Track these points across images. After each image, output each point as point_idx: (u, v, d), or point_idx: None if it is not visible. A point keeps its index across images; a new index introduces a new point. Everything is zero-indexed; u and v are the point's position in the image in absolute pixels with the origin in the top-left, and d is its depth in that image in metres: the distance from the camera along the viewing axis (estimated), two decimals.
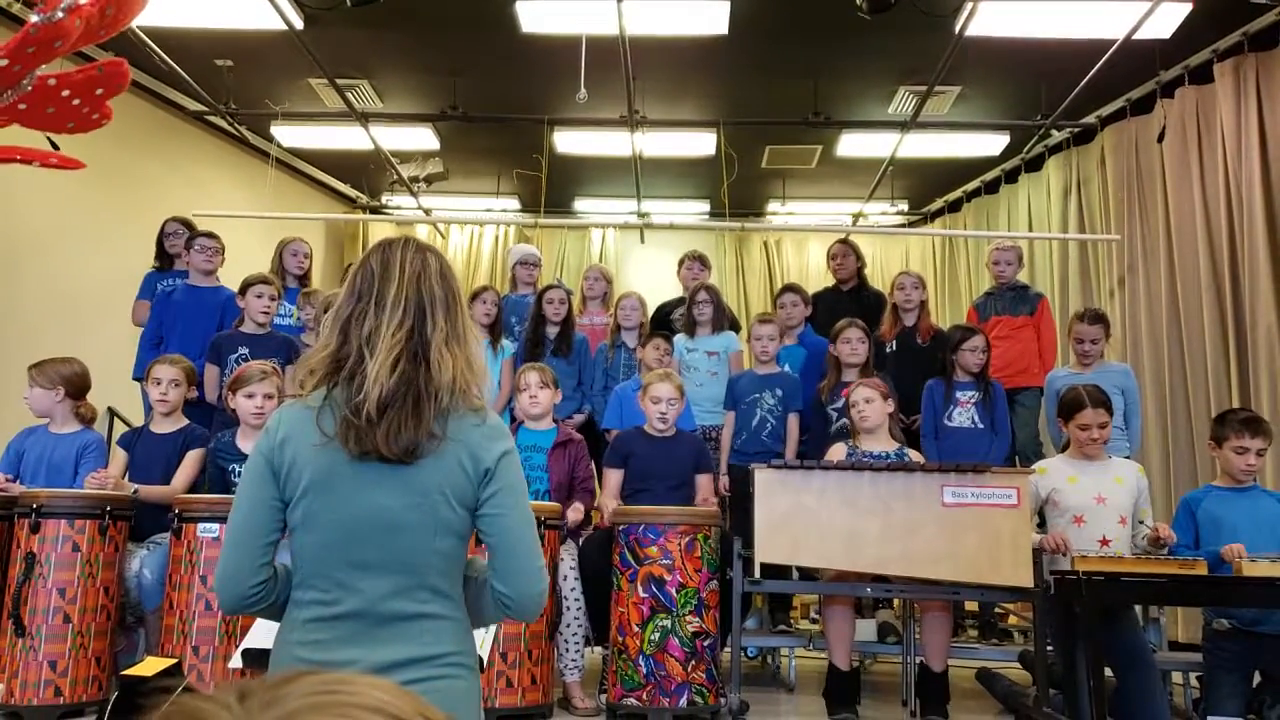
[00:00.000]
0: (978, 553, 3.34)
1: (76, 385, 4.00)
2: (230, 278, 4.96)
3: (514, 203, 8.76)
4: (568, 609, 3.70)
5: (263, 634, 1.75)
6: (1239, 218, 5.28)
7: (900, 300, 4.99)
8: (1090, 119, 6.58)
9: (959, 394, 4.42)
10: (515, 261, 5.80)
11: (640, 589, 3.52)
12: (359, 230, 9.11)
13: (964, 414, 4.40)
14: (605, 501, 4.03)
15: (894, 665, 4.50)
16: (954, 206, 8.44)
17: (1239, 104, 5.32)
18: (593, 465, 4.22)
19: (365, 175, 8.40)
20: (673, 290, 5.96)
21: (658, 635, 3.47)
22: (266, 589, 1.50)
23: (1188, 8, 5.12)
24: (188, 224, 5.28)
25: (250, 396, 3.73)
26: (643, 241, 8.29)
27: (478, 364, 1.56)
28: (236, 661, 1.86)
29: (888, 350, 4.93)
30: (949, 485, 3.40)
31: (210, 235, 4.96)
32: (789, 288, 5.34)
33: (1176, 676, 4.03)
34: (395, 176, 7.74)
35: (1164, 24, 5.28)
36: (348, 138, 7.27)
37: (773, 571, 3.71)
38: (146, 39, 5.56)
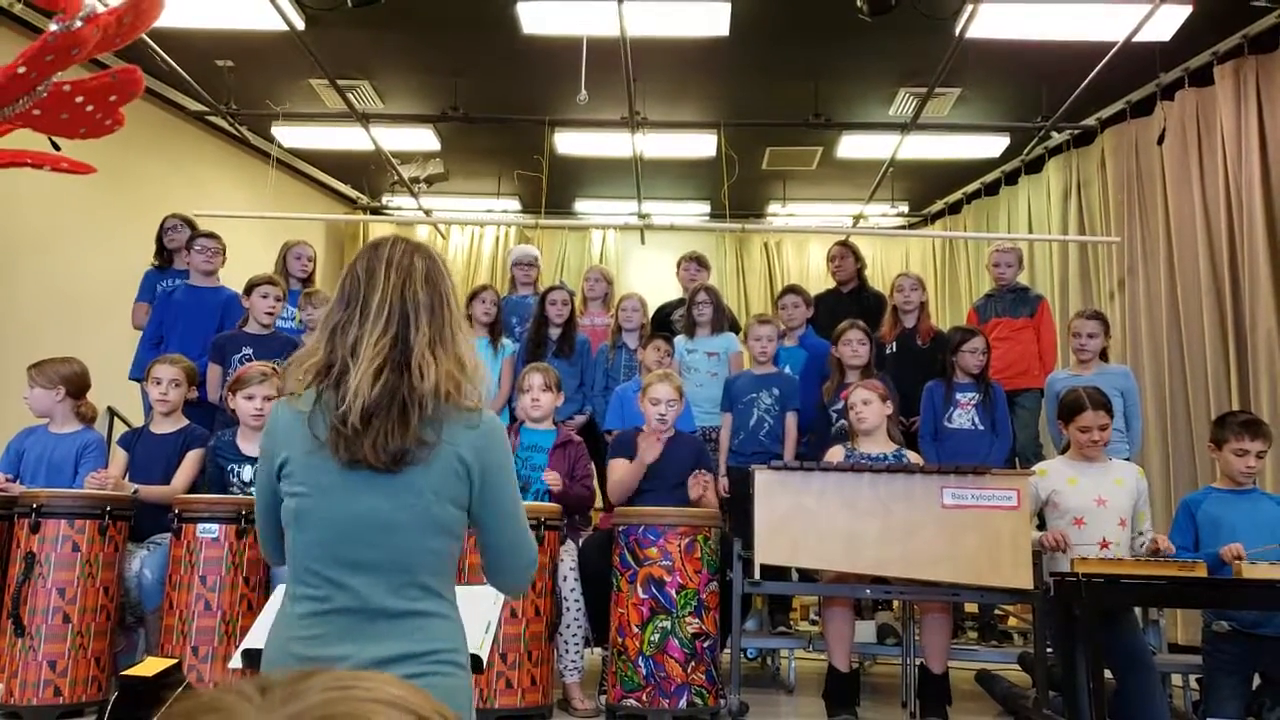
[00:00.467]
0: (977, 554, 3.34)
1: (76, 384, 4.00)
2: (231, 278, 4.96)
3: (514, 203, 8.77)
4: (567, 610, 3.70)
5: (262, 634, 1.75)
6: (1239, 220, 5.28)
7: (900, 302, 4.99)
8: (1090, 121, 6.59)
9: (959, 396, 4.42)
10: (512, 262, 5.83)
11: (640, 590, 3.52)
12: (359, 231, 9.11)
13: (964, 416, 4.40)
14: (643, 453, 3.91)
15: (894, 667, 4.50)
16: (954, 208, 8.45)
17: (1239, 106, 5.33)
18: (592, 465, 4.22)
19: (366, 176, 8.41)
20: (673, 291, 5.97)
21: (657, 636, 3.47)
22: None
23: (1188, 10, 5.13)
24: (188, 221, 5.27)
25: (250, 398, 3.73)
26: (643, 242, 8.29)
27: (469, 363, 1.56)
28: (236, 662, 1.86)
29: (887, 352, 4.93)
30: (949, 487, 3.40)
31: (211, 236, 4.96)
32: (791, 289, 5.34)
33: (1176, 678, 4.03)
34: (396, 177, 7.75)
35: (1164, 26, 5.29)
36: (348, 138, 7.28)
37: (772, 573, 3.72)
38: (148, 39, 5.55)
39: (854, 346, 4.50)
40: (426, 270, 1.56)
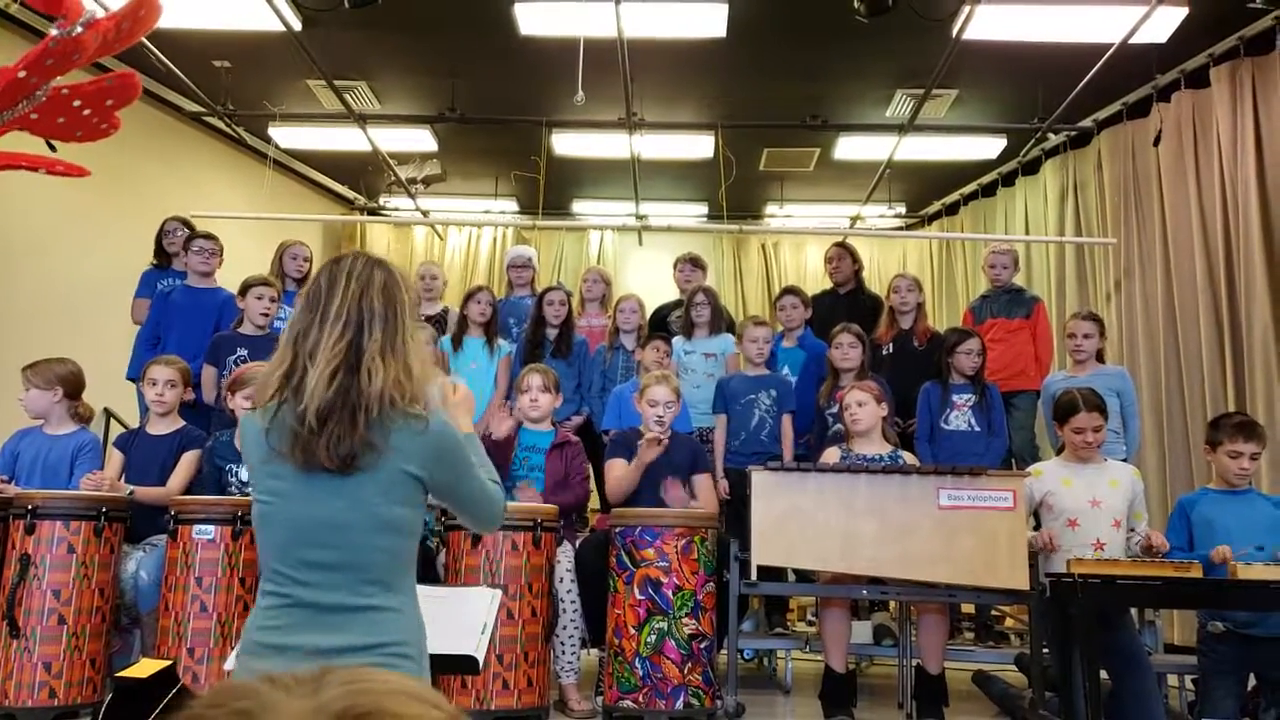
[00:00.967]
0: (973, 555, 3.35)
1: (73, 385, 3.99)
2: (227, 279, 4.96)
3: (512, 204, 8.77)
4: (564, 611, 3.70)
5: None
6: (1235, 221, 5.29)
7: (896, 303, 4.99)
8: (1087, 123, 6.59)
9: (955, 397, 4.43)
10: (507, 264, 5.84)
11: (637, 591, 3.51)
12: (356, 232, 9.11)
13: (960, 417, 4.40)
14: (642, 454, 3.87)
15: (890, 667, 4.50)
16: (951, 209, 8.45)
17: (1235, 108, 5.34)
18: (589, 465, 4.22)
19: (363, 177, 8.41)
20: (670, 292, 5.97)
21: (654, 637, 3.47)
22: None
23: (1184, 12, 5.14)
24: (187, 223, 5.28)
25: (249, 398, 3.73)
26: (641, 243, 8.29)
27: (418, 371, 1.64)
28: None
29: (884, 353, 4.93)
30: (945, 488, 3.41)
31: (208, 236, 4.96)
32: (789, 290, 5.33)
33: (1172, 679, 4.04)
34: (393, 178, 7.74)
35: (1160, 28, 5.29)
36: (345, 139, 7.27)
37: (769, 574, 3.72)
38: (144, 40, 5.55)
39: (844, 350, 4.49)
40: (384, 282, 1.66)
